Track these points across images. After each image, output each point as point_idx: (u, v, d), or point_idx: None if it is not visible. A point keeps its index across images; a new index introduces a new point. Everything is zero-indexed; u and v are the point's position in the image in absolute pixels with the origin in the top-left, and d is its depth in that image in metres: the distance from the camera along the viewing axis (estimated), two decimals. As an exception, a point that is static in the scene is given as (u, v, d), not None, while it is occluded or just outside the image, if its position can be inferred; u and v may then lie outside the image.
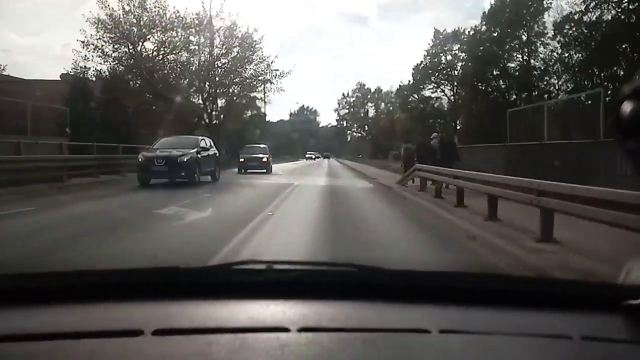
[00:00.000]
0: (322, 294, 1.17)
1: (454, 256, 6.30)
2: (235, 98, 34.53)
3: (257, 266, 1.28)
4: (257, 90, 34.98)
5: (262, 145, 29.25)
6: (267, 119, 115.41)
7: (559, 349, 1.01)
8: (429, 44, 61.71)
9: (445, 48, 59.61)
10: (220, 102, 35.09)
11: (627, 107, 1.01)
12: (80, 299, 1.14)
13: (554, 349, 1.01)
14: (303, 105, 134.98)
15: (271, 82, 34.42)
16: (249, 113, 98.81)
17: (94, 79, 29.73)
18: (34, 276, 1.27)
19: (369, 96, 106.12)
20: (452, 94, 60.47)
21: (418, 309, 1.15)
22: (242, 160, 26.61)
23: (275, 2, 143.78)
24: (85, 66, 29.01)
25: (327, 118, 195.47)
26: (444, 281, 1.29)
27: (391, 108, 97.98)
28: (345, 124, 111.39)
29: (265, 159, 26.68)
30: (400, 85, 65.46)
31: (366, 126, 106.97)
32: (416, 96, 61.95)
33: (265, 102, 36.44)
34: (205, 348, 0.93)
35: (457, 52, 58.60)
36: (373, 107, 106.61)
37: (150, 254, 5.21)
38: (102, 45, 28.71)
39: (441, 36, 59.73)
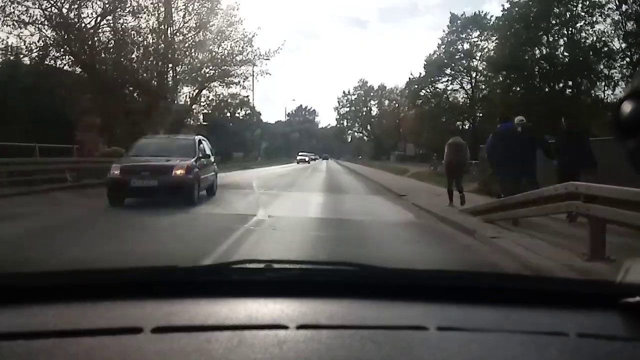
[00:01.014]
0: (321, 293, 1.17)
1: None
2: (207, 83, 26.29)
3: (256, 265, 1.31)
4: (235, 74, 26.81)
5: (181, 140, 13.53)
6: (263, 119, 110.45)
7: (555, 346, 1.01)
8: (443, 30, 54.21)
9: (463, 35, 51.91)
10: (188, 90, 26.82)
11: (627, 107, 1.02)
12: (80, 298, 1.14)
13: (551, 346, 1.00)
14: (301, 105, 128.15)
15: (254, 64, 26.45)
16: (241, 111, 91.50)
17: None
18: (34, 275, 1.28)
19: (371, 94, 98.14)
20: (470, 86, 52.94)
21: (416, 307, 1.15)
22: (115, 175, 10.90)
23: (275, 4, 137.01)
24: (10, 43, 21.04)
25: (326, 119, 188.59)
26: (442, 279, 1.30)
27: (397, 105, 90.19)
28: (345, 124, 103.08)
29: (180, 171, 10.86)
30: (410, 79, 57.11)
31: (368, 125, 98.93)
32: (429, 90, 54.05)
33: (242, 86, 27.58)
34: (204, 345, 0.93)
35: (476, 39, 51.16)
36: (376, 105, 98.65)
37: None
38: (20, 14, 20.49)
39: (459, 21, 51.86)
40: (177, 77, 25.52)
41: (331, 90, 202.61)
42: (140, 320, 1.02)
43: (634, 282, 1.15)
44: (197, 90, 26.37)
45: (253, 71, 27.85)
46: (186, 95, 27.38)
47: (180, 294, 1.16)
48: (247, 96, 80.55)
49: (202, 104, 27.90)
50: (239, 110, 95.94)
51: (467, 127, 54.54)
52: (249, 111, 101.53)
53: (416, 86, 55.23)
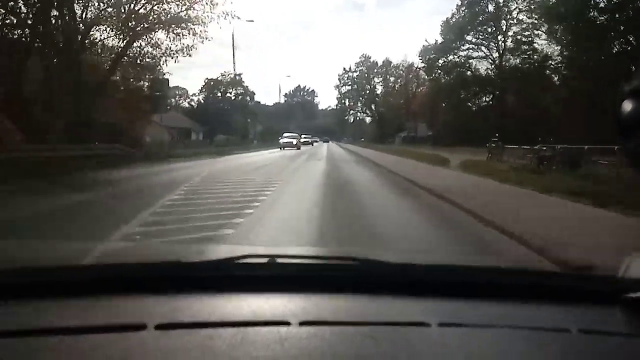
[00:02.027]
0: (323, 288, 1.17)
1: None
2: (141, 28, 18.16)
3: (258, 260, 1.31)
4: (187, 17, 18.74)
5: None
6: (261, 101, 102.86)
7: (557, 342, 1.01)
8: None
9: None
10: (111, 39, 18.66)
11: (627, 106, 1.03)
12: (82, 294, 1.13)
13: (552, 342, 1.00)
14: (299, 85, 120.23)
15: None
16: (233, 91, 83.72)
17: None
18: (36, 271, 1.28)
19: (375, 70, 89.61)
20: (498, 54, 45.03)
21: (418, 303, 1.15)
22: None
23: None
24: None
25: (326, 101, 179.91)
26: (444, 275, 1.30)
27: (402, 83, 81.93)
28: (347, 103, 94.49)
29: None
30: (424, 46, 48.74)
31: (373, 105, 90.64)
32: (448, 59, 45.95)
33: (200, 36, 19.35)
34: (207, 342, 0.93)
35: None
36: (381, 83, 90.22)
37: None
38: None
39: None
40: (88, 16, 17.41)
41: (331, 73, 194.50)
42: (143, 316, 1.02)
43: (636, 277, 1.13)
44: (125, 40, 18.29)
45: (233, 34, 19.82)
46: (106, 47, 19.15)
47: (183, 290, 1.15)
48: (240, 74, 71.35)
49: (137, 61, 19.73)
50: (230, 90, 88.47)
51: (489, 101, 46.70)
52: (241, 90, 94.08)
53: (432, 54, 46.97)
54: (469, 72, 45.81)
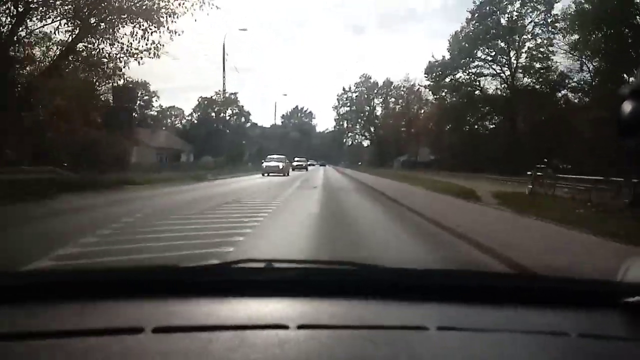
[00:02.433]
0: (321, 292, 1.18)
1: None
2: (96, 21, 14.20)
3: (256, 265, 1.30)
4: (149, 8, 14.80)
5: None
6: (258, 123, 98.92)
7: (555, 346, 1.00)
8: (474, 1, 42.61)
9: (506, 2, 40.22)
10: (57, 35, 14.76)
11: (627, 106, 1.04)
12: (81, 297, 1.14)
13: (551, 346, 1.00)
14: (297, 106, 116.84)
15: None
16: (226, 111, 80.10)
17: None
18: (36, 274, 1.32)
19: (375, 91, 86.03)
20: (509, 73, 41.20)
21: (416, 307, 1.15)
22: None
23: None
24: None
25: (323, 124, 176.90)
26: (442, 279, 1.29)
27: (403, 104, 78.29)
28: (345, 125, 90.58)
29: None
30: (430, 62, 44.86)
31: (372, 127, 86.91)
32: (457, 76, 42.11)
33: (170, 31, 15.14)
34: (205, 345, 0.94)
35: (519, 9, 39.46)
36: (381, 104, 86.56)
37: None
38: None
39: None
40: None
41: (329, 96, 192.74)
42: (141, 320, 1.02)
43: (634, 281, 1.13)
44: (72, 35, 14.21)
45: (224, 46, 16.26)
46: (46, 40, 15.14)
47: (181, 294, 1.15)
48: (235, 93, 67.43)
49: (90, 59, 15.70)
50: (224, 110, 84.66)
51: (497, 123, 42.90)
52: (236, 110, 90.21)
53: (439, 71, 43.14)
54: (477, 92, 42.04)
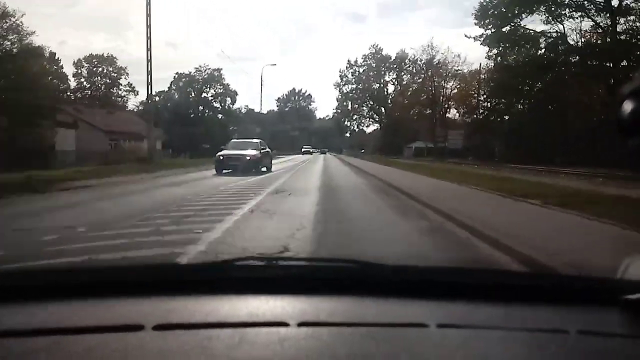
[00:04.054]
0: (322, 290, 1.17)
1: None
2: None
3: (257, 262, 1.30)
4: None
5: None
6: (252, 108, 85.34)
7: (555, 343, 1.00)
8: None
9: None
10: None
11: (627, 106, 1.04)
12: (81, 295, 1.14)
13: (551, 343, 1.00)
14: (294, 89, 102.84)
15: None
16: (210, 90, 66.10)
17: None
18: (35, 272, 1.27)
19: (385, 64, 72.17)
20: (608, 16, 27.85)
21: (417, 304, 1.15)
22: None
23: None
24: None
25: (323, 112, 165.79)
26: (443, 276, 1.30)
27: (420, 79, 64.78)
28: (350, 106, 76.68)
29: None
30: (481, 4, 30.72)
31: (382, 108, 73.11)
32: (530, 19, 28.66)
33: None
34: (205, 343, 0.94)
35: None
36: (393, 81, 72.75)
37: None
38: None
39: None
40: None
41: (329, 84, 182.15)
42: (141, 317, 1.02)
43: (634, 278, 1.13)
44: None
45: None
46: None
47: (181, 291, 1.15)
48: (220, 69, 56.33)
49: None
50: (206, 88, 70.18)
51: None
52: (221, 90, 76.00)
53: (499, 12, 29.30)
54: (559, 47, 28.42)
